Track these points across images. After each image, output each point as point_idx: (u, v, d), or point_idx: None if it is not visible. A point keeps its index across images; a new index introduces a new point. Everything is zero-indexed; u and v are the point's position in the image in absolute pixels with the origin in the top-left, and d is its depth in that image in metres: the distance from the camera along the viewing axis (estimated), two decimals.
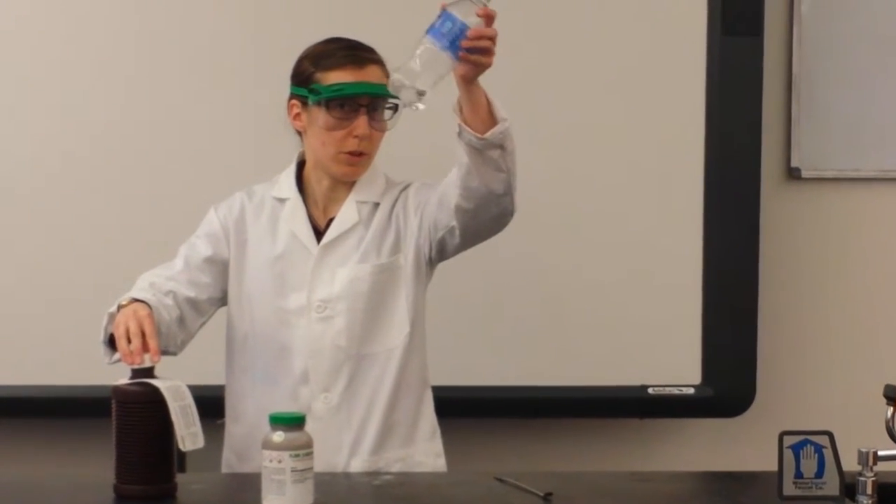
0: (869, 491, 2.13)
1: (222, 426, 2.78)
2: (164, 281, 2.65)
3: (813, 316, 3.72)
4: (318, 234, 2.72)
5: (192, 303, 2.68)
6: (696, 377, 3.54)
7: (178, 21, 3.44)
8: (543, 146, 3.48)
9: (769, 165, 3.63)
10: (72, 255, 3.43)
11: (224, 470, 2.77)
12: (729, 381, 3.54)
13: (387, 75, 2.64)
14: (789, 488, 2.07)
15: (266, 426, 2.32)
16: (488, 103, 2.48)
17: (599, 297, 3.52)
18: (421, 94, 2.31)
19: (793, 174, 3.69)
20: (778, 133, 3.67)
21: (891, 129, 3.68)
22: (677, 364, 3.53)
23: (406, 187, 2.77)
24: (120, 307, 2.50)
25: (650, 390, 3.51)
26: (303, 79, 2.69)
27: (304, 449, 2.22)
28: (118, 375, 2.39)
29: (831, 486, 2.07)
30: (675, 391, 3.52)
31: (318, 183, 2.73)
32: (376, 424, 2.69)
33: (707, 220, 3.53)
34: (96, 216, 3.44)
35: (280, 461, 2.20)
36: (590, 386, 3.50)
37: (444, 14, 2.33)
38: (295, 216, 2.72)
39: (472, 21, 2.33)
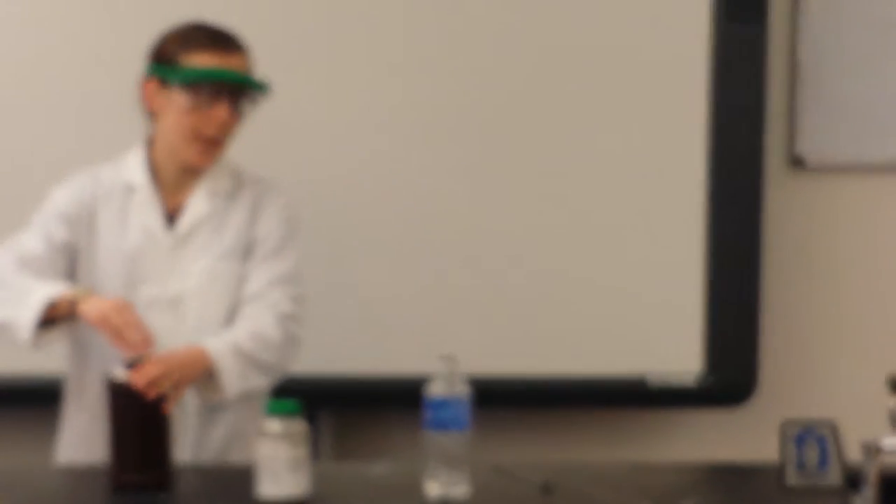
0: (872, 481, 2.11)
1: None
2: (31, 260, 2.59)
3: (816, 305, 3.70)
4: (168, 220, 2.67)
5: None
6: (697, 366, 3.52)
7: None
8: (542, 132, 3.47)
9: (773, 154, 3.61)
10: None
11: (61, 459, 2.72)
12: (731, 371, 3.53)
13: (250, 64, 2.65)
14: (792, 478, 2.06)
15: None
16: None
17: (600, 285, 3.50)
18: (462, 485, 2.24)
19: (797, 162, 3.67)
20: (782, 121, 3.65)
21: None
22: (679, 353, 3.52)
23: (271, 200, 2.72)
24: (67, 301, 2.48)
25: (651, 379, 3.50)
26: (164, 59, 2.62)
27: (300, 437, 2.21)
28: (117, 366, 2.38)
29: (834, 476, 2.06)
30: (677, 381, 3.51)
31: (167, 169, 2.68)
32: (222, 430, 2.68)
33: (710, 209, 3.51)
34: None
35: (275, 450, 2.19)
36: (590, 375, 3.48)
37: (432, 402, 2.22)
38: (146, 207, 2.66)
39: (460, 389, 2.24)
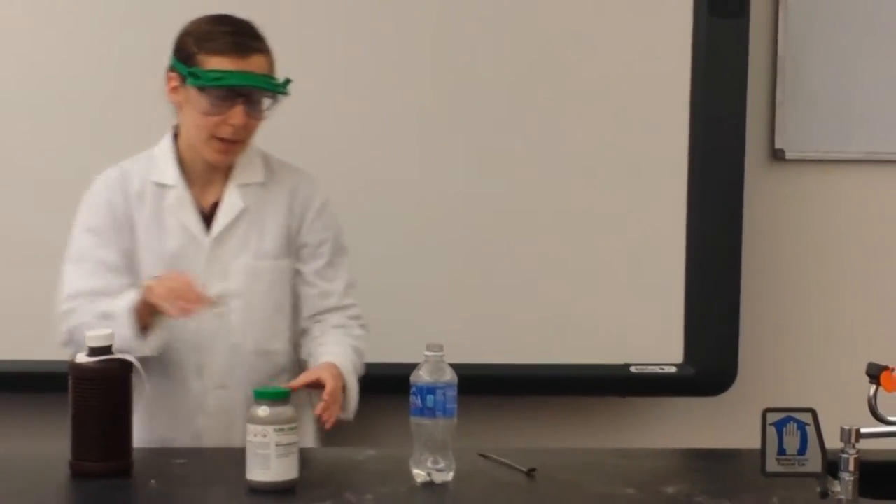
0: (851, 468, 2.13)
1: None
2: (96, 296, 2.58)
3: (795, 296, 3.73)
4: (203, 217, 2.66)
5: None
6: (678, 356, 3.55)
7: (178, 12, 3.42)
8: (525, 126, 3.49)
9: (753, 146, 3.63)
10: (42, 235, 3.39)
11: None
12: (711, 360, 3.55)
13: (271, 63, 2.63)
14: (772, 465, 2.08)
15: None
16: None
17: (583, 276, 3.52)
18: (448, 471, 2.29)
19: (777, 155, 3.70)
20: (762, 114, 3.67)
21: (875, 110, 3.69)
22: (660, 343, 3.54)
23: (311, 194, 2.73)
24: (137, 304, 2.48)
25: (633, 369, 3.52)
26: (184, 56, 2.61)
27: (289, 424, 2.23)
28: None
29: (814, 462, 2.07)
30: (658, 370, 3.53)
31: (195, 163, 2.66)
32: None
33: (691, 201, 3.53)
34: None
35: (265, 436, 2.21)
36: (573, 364, 3.50)
37: (419, 389, 2.26)
38: (182, 206, 2.65)
39: (447, 377, 2.27)
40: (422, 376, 2.26)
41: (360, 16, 3.43)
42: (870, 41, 3.68)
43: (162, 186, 2.65)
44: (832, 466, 2.13)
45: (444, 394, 2.26)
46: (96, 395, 2.31)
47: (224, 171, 2.67)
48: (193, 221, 2.65)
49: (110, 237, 2.63)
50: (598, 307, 3.52)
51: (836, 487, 2.13)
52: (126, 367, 2.33)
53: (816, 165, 3.72)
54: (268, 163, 2.72)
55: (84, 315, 2.55)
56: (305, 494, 2.21)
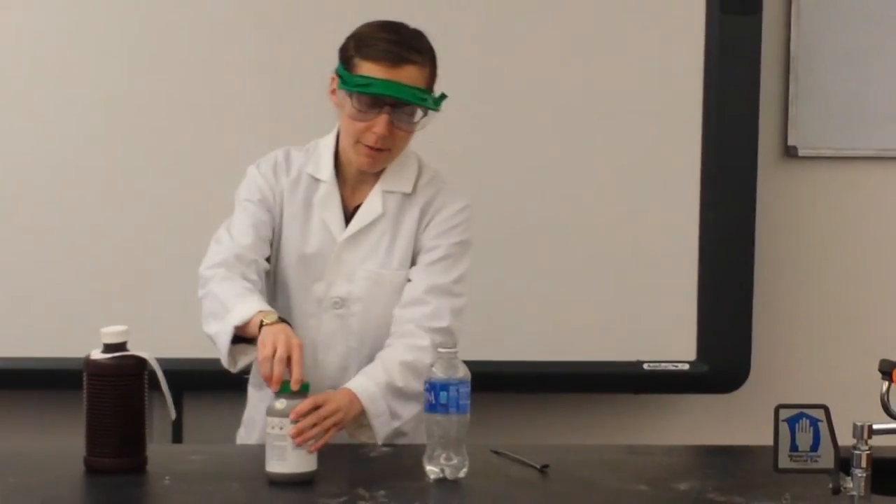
0: (863, 464, 2.14)
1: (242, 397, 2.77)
2: (245, 251, 2.57)
3: (808, 293, 3.74)
4: (346, 218, 2.64)
5: (265, 274, 2.62)
6: (691, 353, 3.56)
7: (178, 12, 3.44)
8: (539, 124, 3.50)
9: (766, 144, 3.64)
10: (53, 234, 3.44)
11: (240, 440, 2.76)
12: (724, 358, 3.56)
13: (427, 76, 2.57)
14: (784, 461, 2.08)
15: None
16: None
17: (596, 273, 3.53)
18: (461, 467, 2.29)
19: (789, 152, 3.70)
20: (775, 111, 3.68)
21: (888, 108, 3.69)
22: (673, 340, 3.55)
23: (444, 204, 2.66)
24: (262, 324, 2.41)
25: (646, 366, 3.53)
26: (344, 58, 2.57)
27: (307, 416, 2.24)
28: (90, 347, 2.36)
29: (826, 459, 2.08)
30: (671, 367, 3.54)
31: (349, 164, 2.64)
32: None
33: (704, 198, 3.54)
34: (77, 209, 3.45)
35: (282, 428, 2.23)
36: (586, 361, 3.52)
37: (432, 385, 2.25)
38: (328, 203, 2.63)
39: (461, 373, 2.27)
40: (435, 373, 2.27)
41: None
42: (882, 38, 3.69)
43: (315, 180, 2.65)
44: (844, 463, 2.13)
45: (457, 390, 2.26)
46: (111, 391, 2.31)
47: (375, 175, 2.65)
48: (335, 219, 2.64)
49: (265, 210, 2.63)
50: (612, 304, 3.53)
51: (849, 484, 2.14)
52: (141, 363, 2.34)
53: (829, 162, 3.73)
54: (421, 174, 2.68)
55: (214, 287, 2.53)
56: (318, 490, 2.22)
